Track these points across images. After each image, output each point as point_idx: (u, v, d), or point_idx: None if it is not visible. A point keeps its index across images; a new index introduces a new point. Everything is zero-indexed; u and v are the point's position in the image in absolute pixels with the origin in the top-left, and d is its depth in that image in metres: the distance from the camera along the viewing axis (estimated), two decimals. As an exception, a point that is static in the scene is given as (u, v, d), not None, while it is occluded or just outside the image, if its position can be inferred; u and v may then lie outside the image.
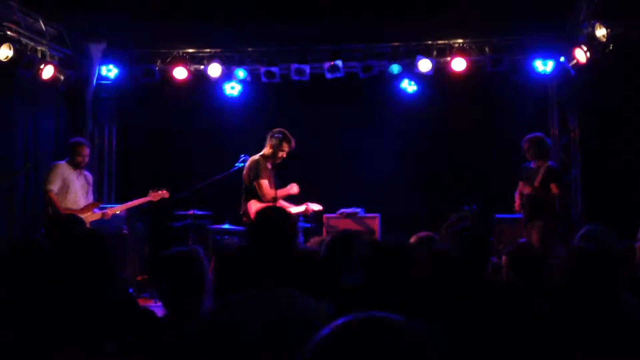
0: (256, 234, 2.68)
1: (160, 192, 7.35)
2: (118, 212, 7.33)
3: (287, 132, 6.83)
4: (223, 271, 3.04)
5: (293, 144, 6.84)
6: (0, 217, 7.56)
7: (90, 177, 7.20)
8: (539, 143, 6.85)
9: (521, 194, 6.82)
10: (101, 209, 7.07)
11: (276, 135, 6.79)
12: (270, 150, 6.82)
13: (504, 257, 3.56)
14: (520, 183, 6.89)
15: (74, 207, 6.70)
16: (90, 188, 7.14)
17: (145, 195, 7.37)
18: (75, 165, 6.90)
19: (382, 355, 1.06)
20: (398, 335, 1.09)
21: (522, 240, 6.31)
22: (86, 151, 6.98)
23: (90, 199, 7.08)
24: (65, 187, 6.75)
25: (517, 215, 7.22)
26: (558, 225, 7.07)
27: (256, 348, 2.32)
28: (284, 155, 6.86)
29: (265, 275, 2.50)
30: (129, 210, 7.57)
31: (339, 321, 1.13)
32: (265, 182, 6.68)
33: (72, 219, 4.46)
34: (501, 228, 7.74)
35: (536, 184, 6.59)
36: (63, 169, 6.83)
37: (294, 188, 6.88)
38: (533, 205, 6.63)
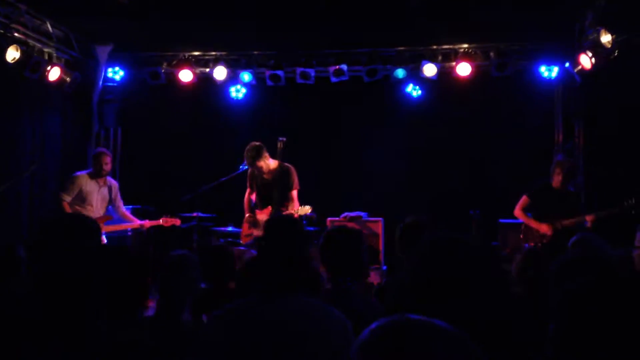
0: (269, 240, 2.72)
1: (172, 219, 7.26)
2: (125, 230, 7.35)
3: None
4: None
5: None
6: (8, 215, 7.64)
7: (114, 185, 7.23)
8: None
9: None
10: (108, 224, 7.07)
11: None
12: None
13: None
14: None
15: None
16: (118, 197, 7.19)
17: (157, 217, 7.36)
18: (98, 175, 6.97)
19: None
20: (441, 340, 1.04)
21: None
22: (107, 159, 7.05)
23: (123, 208, 7.21)
24: (81, 199, 6.83)
25: (520, 221, 7.22)
26: None
27: (269, 353, 2.33)
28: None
29: (276, 281, 2.51)
30: (133, 210, 7.60)
31: (378, 323, 1.08)
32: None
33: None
34: (505, 233, 7.74)
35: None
36: (82, 180, 6.92)
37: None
38: None
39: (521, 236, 6.83)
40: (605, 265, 2.41)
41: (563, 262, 2.27)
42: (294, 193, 6.79)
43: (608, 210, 6.36)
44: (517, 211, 6.74)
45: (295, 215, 6.50)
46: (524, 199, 6.72)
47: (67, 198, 6.79)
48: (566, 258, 2.34)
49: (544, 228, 6.53)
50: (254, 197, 7.02)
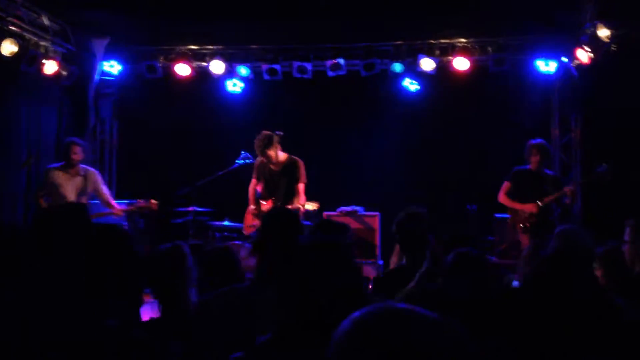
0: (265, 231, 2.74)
1: (146, 204, 7.12)
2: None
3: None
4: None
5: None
6: (5, 208, 7.65)
7: (93, 176, 7.10)
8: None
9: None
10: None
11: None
12: None
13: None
14: None
15: None
16: (99, 185, 7.10)
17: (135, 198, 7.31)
18: (69, 166, 6.91)
19: (414, 352, 1.00)
20: (427, 327, 1.03)
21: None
22: (76, 149, 6.93)
23: (106, 196, 7.14)
24: (53, 191, 6.82)
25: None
26: None
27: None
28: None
29: (267, 272, 2.53)
30: (128, 206, 7.58)
31: (361, 312, 1.06)
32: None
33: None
34: (502, 228, 7.73)
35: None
36: (52, 173, 6.90)
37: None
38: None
39: (509, 221, 6.95)
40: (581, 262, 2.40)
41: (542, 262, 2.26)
42: (301, 186, 6.85)
43: (583, 179, 6.90)
44: (501, 196, 6.99)
45: (302, 210, 6.56)
46: (505, 185, 6.98)
47: (41, 192, 6.83)
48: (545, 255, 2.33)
49: (529, 207, 6.76)
50: (259, 187, 7.06)
